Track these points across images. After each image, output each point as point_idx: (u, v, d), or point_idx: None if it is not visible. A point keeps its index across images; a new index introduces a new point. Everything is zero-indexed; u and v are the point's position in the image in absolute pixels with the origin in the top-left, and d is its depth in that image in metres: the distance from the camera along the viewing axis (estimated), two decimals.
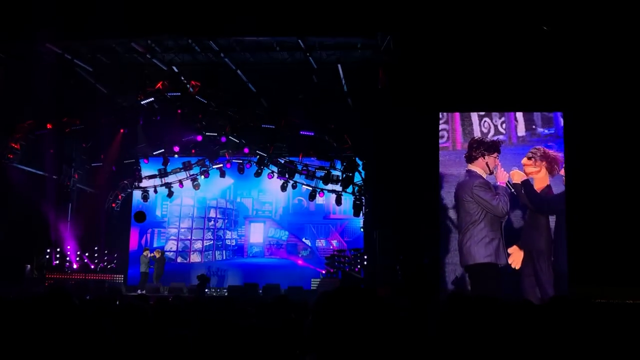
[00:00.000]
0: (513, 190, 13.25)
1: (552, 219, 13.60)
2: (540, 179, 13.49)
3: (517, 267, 13.03)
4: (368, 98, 16.48)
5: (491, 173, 13.31)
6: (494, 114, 14.60)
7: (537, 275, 12.76)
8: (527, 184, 13.21)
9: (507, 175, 13.37)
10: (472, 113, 14.94)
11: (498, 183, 13.20)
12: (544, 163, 13.54)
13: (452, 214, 14.00)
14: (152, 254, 20.37)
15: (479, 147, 13.59)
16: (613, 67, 14.51)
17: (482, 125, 14.54)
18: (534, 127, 14.41)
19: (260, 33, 15.51)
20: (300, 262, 21.88)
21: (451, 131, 14.72)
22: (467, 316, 2.37)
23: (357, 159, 18.03)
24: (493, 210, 12.91)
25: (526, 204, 13.40)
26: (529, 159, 13.62)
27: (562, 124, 14.46)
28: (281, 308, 3.39)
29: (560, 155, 13.82)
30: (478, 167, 13.40)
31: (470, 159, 13.61)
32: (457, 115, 15.04)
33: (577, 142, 15.14)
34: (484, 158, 13.39)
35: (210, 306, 3.74)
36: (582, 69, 14.53)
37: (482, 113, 14.77)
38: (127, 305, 2.76)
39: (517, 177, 13.32)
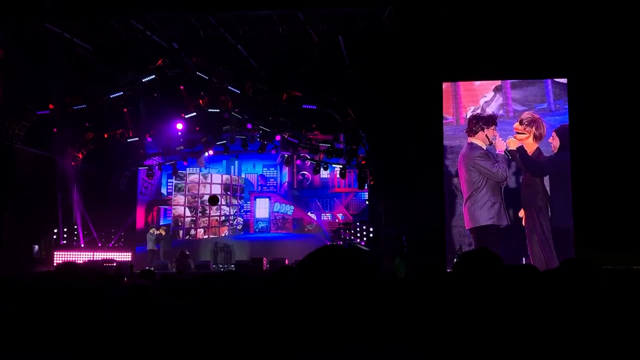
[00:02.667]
0: (510, 156, 14.52)
1: (547, 179, 14.93)
2: (529, 144, 14.71)
3: (524, 224, 14.42)
4: (370, 69, 16.36)
5: (491, 144, 14.47)
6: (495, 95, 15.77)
7: (538, 230, 14.18)
8: (521, 149, 14.40)
9: (504, 144, 14.55)
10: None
11: (497, 152, 14.38)
12: (532, 129, 14.70)
13: (456, 182, 15.23)
14: (157, 232, 20.48)
15: (478, 122, 14.72)
16: (618, 34, 14.36)
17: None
18: (529, 102, 15.62)
19: (259, 6, 15.36)
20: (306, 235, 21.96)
21: (455, 108, 15.87)
22: (476, 278, 2.36)
23: (360, 131, 17.96)
24: (493, 177, 14.13)
25: (520, 167, 14.68)
26: (520, 123, 14.81)
27: (552, 98, 15.55)
28: (285, 278, 3.42)
29: (545, 122, 15.00)
30: (478, 140, 14.50)
31: (471, 132, 14.73)
32: (460, 93, 16.04)
33: (582, 108, 15.17)
34: (484, 131, 14.52)
35: (216, 280, 3.75)
36: (587, 35, 14.39)
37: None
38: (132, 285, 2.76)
39: (513, 144, 14.52)
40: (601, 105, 14.95)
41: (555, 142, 14.89)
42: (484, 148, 14.59)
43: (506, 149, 14.49)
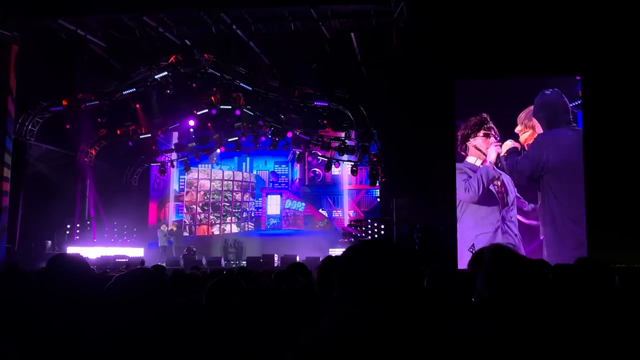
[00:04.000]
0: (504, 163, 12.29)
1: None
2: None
3: None
4: (382, 66, 16.32)
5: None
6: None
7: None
8: (511, 153, 12.29)
9: (495, 153, 12.49)
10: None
11: (482, 164, 12.35)
12: (532, 122, 12.71)
13: None
14: (169, 228, 20.57)
15: (462, 137, 12.54)
16: (632, 30, 14.20)
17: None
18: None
19: (272, 3, 15.37)
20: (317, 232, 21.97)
21: None
22: (495, 274, 2.34)
23: (372, 128, 17.93)
24: (463, 198, 12.05)
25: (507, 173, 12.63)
26: (521, 123, 12.75)
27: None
28: (297, 274, 3.42)
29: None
30: (472, 158, 12.48)
31: (461, 157, 12.63)
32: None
33: (595, 106, 14.90)
34: (470, 142, 12.48)
35: (225, 274, 3.77)
36: (600, 32, 14.24)
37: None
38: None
39: (504, 148, 12.38)
40: (616, 102, 14.73)
41: (536, 126, 12.63)
42: (474, 164, 12.34)
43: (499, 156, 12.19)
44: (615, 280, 3.36)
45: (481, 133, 12.59)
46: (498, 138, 12.93)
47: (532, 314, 2.17)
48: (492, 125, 12.97)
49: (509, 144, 12.67)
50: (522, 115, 12.90)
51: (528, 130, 12.60)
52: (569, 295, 3.00)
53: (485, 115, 13.06)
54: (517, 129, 12.84)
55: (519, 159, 12.60)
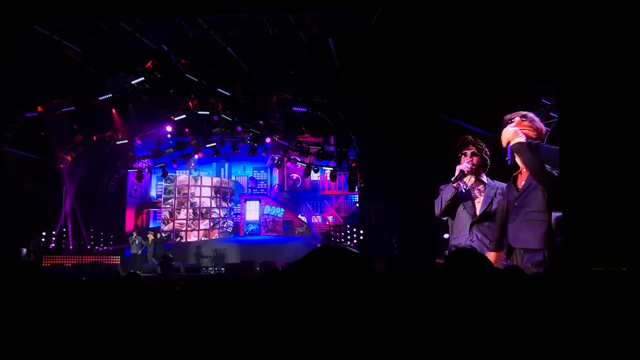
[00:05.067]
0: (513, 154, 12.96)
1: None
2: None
3: None
4: (360, 72, 16.36)
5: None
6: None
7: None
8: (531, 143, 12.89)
9: (458, 169, 13.92)
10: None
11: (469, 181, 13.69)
12: (527, 122, 13.60)
13: None
14: (148, 235, 20.41)
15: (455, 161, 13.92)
16: (608, 36, 14.39)
17: None
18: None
19: (249, 9, 15.32)
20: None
21: None
22: (465, 279, 2.36)
23: (350, 134, 17.96)
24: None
25: (528, 166, 13.37)
26: (522, 119, 13.48)
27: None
28: (271, 281, 3.41)
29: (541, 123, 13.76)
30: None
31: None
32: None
33: (571, 112, 15.06)
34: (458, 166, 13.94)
35: (203, 284, 3.74)
36: (577, 38, 14.40)
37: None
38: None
39: (513, 135, 13.01)
40: (591, 109, 14.88)
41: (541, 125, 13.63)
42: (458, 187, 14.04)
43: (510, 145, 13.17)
44: (589, 283, 3.39)
45: (460, 155, 14.09)
46: (486, 152, 14.03)
47: (478, 306, 2.19)
48: (470, 145, 14.22)
49: (512, 131, 13.29)
50: (526, 117, 13.72)
51: (525, 128, 13.31)
52: (540, 297, 3.03)
53: (464, 136, 14.40)
54: (517, 123, 13.56)
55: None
